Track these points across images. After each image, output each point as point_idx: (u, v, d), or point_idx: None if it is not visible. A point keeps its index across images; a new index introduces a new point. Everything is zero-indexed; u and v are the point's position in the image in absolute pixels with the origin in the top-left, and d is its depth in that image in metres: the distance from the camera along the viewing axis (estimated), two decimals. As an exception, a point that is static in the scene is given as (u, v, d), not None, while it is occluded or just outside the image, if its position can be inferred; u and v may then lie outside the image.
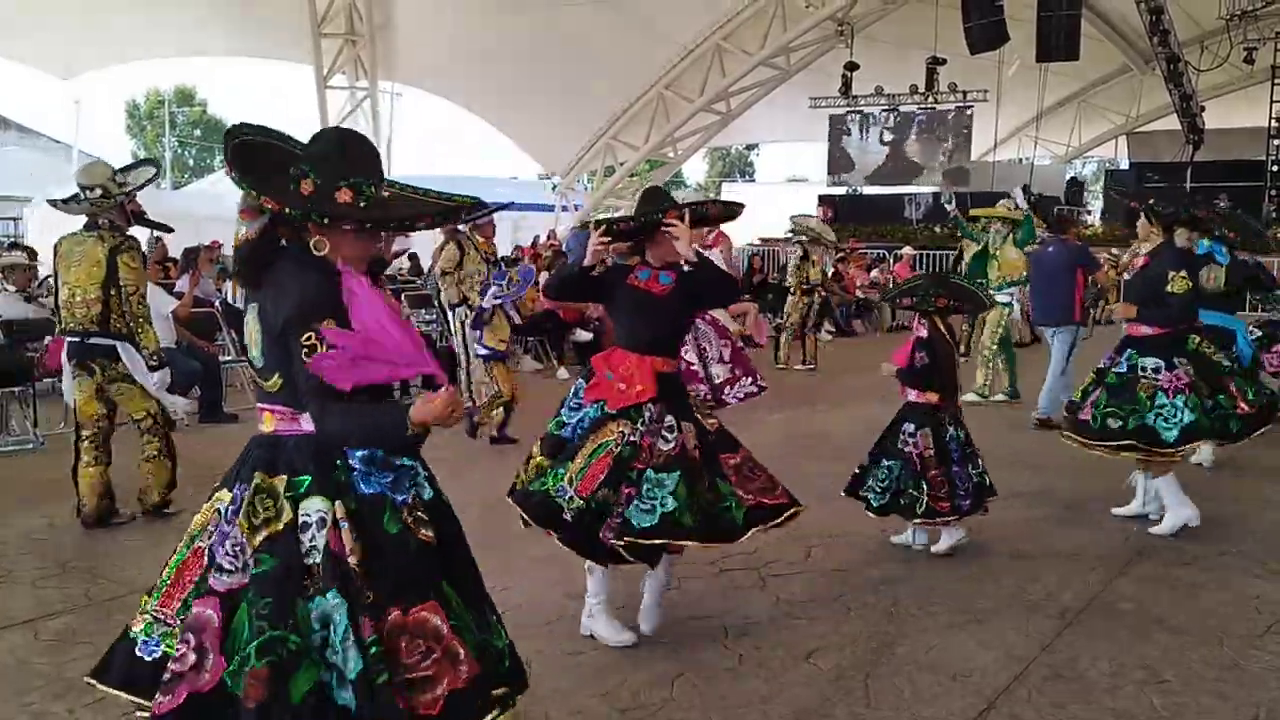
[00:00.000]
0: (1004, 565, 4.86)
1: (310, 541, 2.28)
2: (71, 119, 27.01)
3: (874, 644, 3.90)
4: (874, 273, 18.18)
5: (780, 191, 34.19)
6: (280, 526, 2.29)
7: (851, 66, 23.53)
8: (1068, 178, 28.35)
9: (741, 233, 29.04)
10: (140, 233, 6.02)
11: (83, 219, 5.47)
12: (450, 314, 8.13)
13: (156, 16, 21.14)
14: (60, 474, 5.72)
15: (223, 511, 2.39)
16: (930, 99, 24.89)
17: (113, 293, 5.29)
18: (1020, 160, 30.11)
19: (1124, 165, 31.23)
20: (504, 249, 19.64)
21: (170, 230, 6.78)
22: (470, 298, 8.17)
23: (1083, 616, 4.20)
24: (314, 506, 2.31)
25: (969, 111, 25.13)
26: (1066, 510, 5.79)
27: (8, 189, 21.19)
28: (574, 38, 22.17)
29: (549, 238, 19.67)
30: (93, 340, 5.35)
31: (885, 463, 4.97)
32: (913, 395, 5.00)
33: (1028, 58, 21.11)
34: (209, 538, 2.38)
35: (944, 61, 23.21)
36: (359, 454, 2.38)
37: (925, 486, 4.85)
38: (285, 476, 2.34)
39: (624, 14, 21.66)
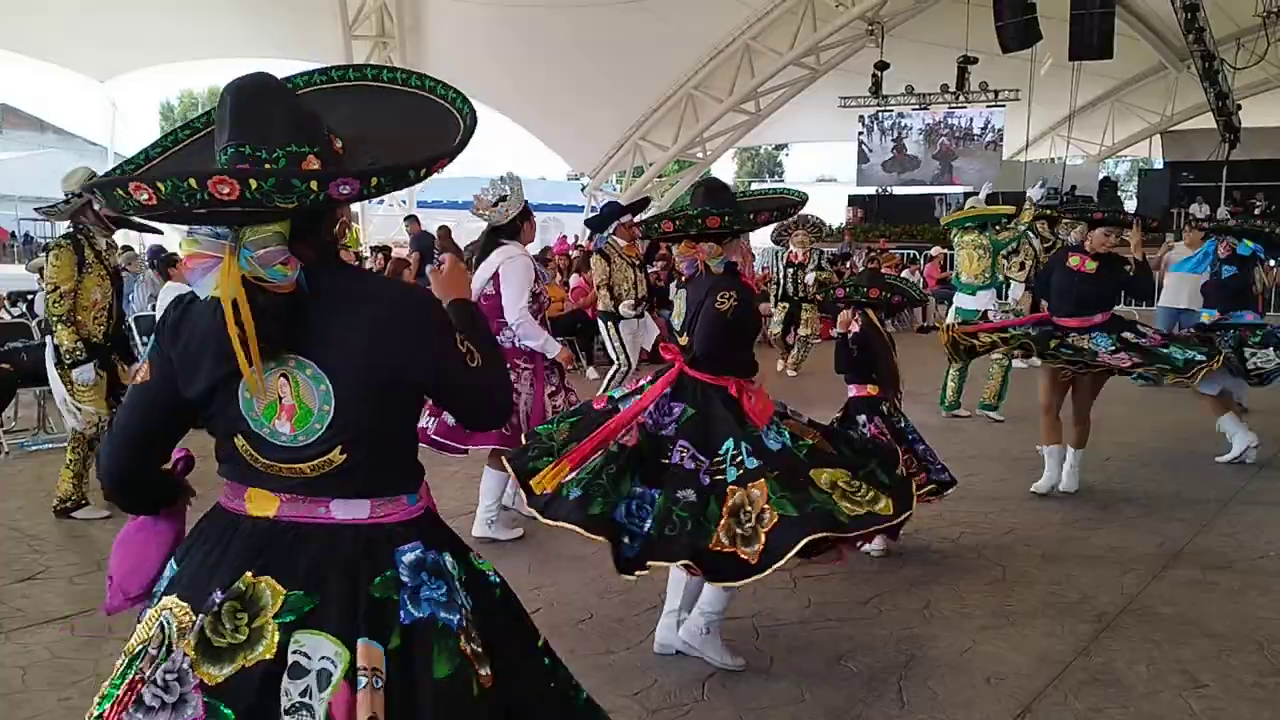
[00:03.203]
0: (1037, 568, 4.81)
1: (299, 696, 1.53)
2: (108, 121, 27.38)
3: (906, 646, 3.87)
4: (905, 273, 18.08)
5: (809, 191, 34.02)
6: (253, 660, 1.56)
7: (882, 66, 23.42)
8: (1100, 177, 28.04)
9: (767, 236, 28.98)
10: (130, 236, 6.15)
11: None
12: (605, 323, 8.25)
13: (190, 19, 21.36)
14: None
15: (166, 626, 1.67)
16: (961, 98, 24.74)
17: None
18: (1052, 160, 29.80)
19: (1158, 165, 30.86)
20: (532, 249, 19.71)
21: (157, 231, 6.85)
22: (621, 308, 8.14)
23: (1119, 620, 4.15)
24: (318, 647, 1.56)
25: (991, 123, 25.44)
26: (1099, 512, 5.73)
27: (46, 191, 21.46)
28: (602, 38, 22.19)
29: (589, 239, 19.62)
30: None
31: None
32: (853, 390, 5.01)
33: (1060, 56, 20.88)
34: (150, 662, 1.66)
35: (975, 60, 23.06)
36: (407, 557, 1.65)
37: None
38: (282, 587, 1.59)
39: (652, 14, 21.64)
